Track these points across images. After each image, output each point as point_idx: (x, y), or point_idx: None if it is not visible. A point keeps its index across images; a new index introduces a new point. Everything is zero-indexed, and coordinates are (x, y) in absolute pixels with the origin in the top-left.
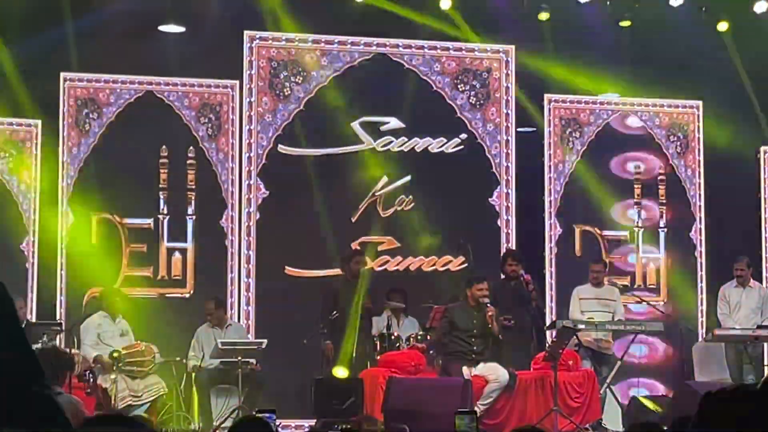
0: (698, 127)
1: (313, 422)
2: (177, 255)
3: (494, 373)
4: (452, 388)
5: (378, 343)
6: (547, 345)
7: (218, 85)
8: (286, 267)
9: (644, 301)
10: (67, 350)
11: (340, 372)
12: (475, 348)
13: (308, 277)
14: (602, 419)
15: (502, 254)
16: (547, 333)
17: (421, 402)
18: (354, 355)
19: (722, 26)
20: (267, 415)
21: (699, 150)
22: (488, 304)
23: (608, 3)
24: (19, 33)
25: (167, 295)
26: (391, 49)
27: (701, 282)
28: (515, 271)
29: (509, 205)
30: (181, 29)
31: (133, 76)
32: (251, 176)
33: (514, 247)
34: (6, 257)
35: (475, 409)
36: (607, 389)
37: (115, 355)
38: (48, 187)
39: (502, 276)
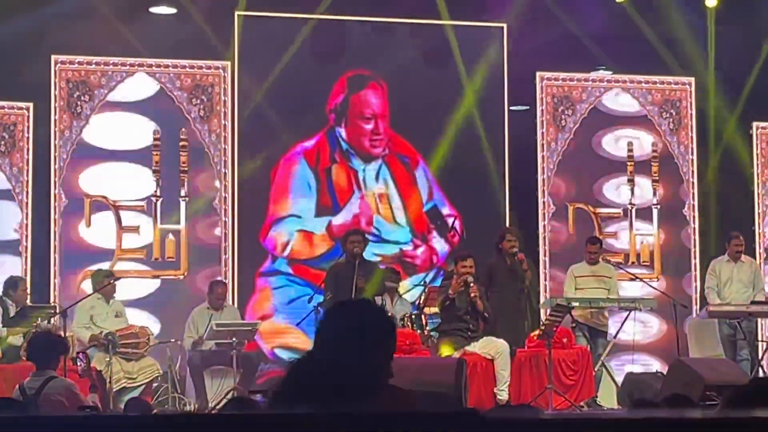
0: (691, 103)
1: None
2: (170, 236)
3: (492, 347)
4: (447, 367)
5: None
6: (541, 323)
7: (210, 66)
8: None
9: (638, 278)
10: (62, 333)
11: None
12: (470, 326)
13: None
14: (597, 396)
15: (499, 231)
16: (541, 311)
17: (415, 381)
18: None
19: (710, 1)
20: (258, 397)
21: (692, 126)
22: (472, 283)
23: None
24: (10, 14)
25: (161, 277)
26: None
27: (695, 258)
28: (514, 247)
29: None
30: (172, 10)
31: (125, 58)
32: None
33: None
34: None
35: (499, 397)
36: (602, 366)
37: (109, 337)
38: (40, 170)
39: (498, 253)
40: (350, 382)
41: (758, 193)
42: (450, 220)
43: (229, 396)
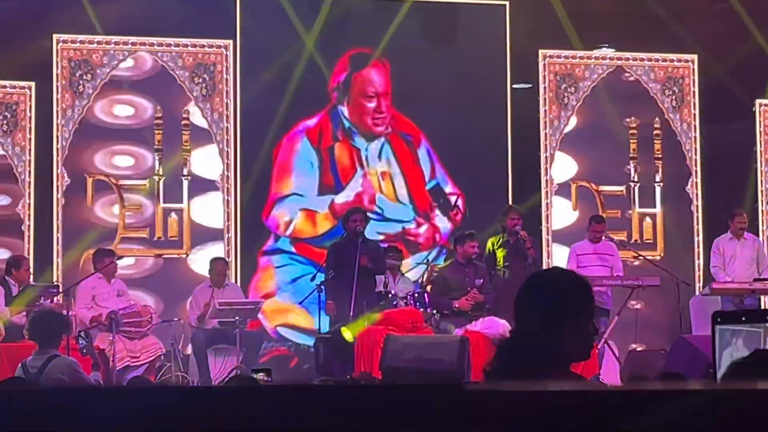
0: (693, 80)
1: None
2: (173, 216)
3: (494, 328)
4: (449, 345)
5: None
6: None
7: (212, 45)
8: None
9: (641, 256)
10: (64, 312)
11: (347, 334)
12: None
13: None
14: (599, 374)
15: (503, 209)
16: None
17: (418, 359)
18: (351, 313)
19: None
20: (261, 376)
21: (694, 104)
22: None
23: None
24: None
25: (164, 256)
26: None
27: (698, 236)
28: (517, 225)
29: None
30: None
31: (127, 37)
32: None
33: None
34: (3, 220)
35: None
36: (605, 344)
37: (112, 316)
38: (43, 150)
39: (501, 231)
40: (556, 356)
41: (761, 171)
42: (453, 199)
43: (233, 374)
